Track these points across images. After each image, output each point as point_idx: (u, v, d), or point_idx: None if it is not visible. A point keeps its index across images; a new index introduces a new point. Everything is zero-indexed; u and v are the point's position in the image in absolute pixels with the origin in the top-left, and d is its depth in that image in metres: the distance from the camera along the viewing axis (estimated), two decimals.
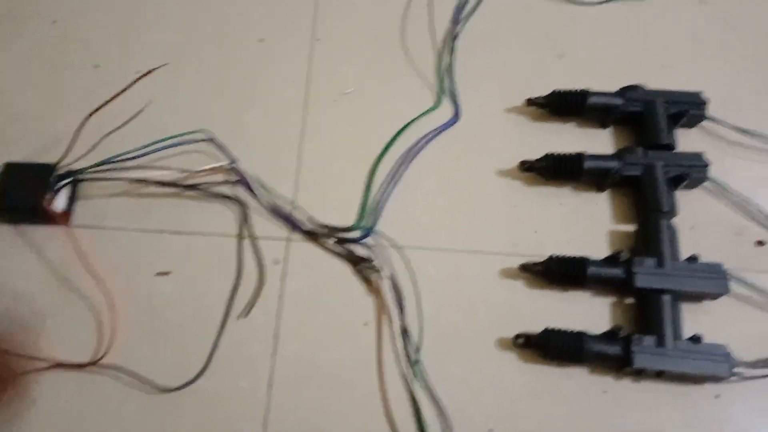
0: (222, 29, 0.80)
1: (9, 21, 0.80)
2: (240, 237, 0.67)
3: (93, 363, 0.61)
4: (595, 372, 0.63)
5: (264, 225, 0.68)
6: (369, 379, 0.62)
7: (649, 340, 0.61)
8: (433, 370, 0.62)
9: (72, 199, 0.67)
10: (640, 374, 0.62)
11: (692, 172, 0.68)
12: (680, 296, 0.64)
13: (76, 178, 0.66)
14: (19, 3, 0.81)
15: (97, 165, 0.67)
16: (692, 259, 0.65)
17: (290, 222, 0.68)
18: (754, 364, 0.62)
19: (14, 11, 0.80)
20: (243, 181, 0.69)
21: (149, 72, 0.64)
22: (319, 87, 0.76)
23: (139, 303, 0.64)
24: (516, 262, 0.66)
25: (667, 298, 0.63)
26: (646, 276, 0.63)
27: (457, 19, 0.80)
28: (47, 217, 0.65)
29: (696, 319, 0.64)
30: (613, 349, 0.61)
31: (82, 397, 0.60)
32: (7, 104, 0.74)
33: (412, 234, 0.68)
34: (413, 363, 0.62)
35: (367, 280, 0.66)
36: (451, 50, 0.78)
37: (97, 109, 0.63)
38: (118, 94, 0.64)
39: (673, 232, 0.66)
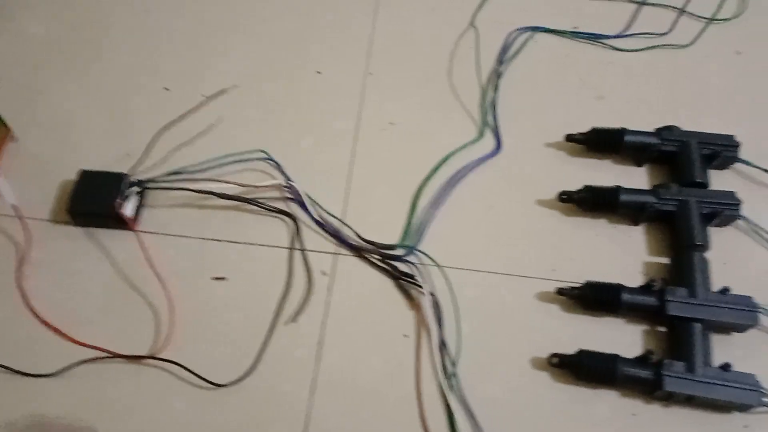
0: (282, 61, 0.86)
1: (86, 47, 0.87)
2: (291, 249, 0.72)
3: (150, 357, 0.65)
4: (625, 395, 0.64)
5: (314, 239, 0.72)
6: (407, 388, 0.64)
7: (679, 366, 0.63)
8: (468, 385, 0.65)
9: (140, 206, 0.73)
10: (669, 399, 0.63)
11: (725, 209, 0.71)
12: (711, 326, 0.66)
13: (145, 187, 0.72)
14: (95, 32, 0.89)
15: (165, 175, 0.72)
16: (724, 290, 0.67)
17: (338, 237, 0.72)
18: None
19: (91, 39, 0.88)
20: (297, 199, 0.74)
21: (220, 92, 0.70)
22: (370, 117, 0.82)
23: (196, 304, 0.68)
24: (552, 287, 0.69)
25: (697, 327, 0.65)
26: (678, 304, 0.66)
27: (501, 60, 0.85)
28: (116, 221, 0.70)
29: (725, 351, 0.65)
30: (645, 373, 0.63)
31: (139, 387, 0.64)
32: (83, 119, 0.81)
33: (452, 255, 0.71)
34: (450, 375, 0.65)
35: (408, 295, 0.69)
36: (495, 88, 0.83)
37: (170, 125, 0.69)
38: (189, 112, 0.69)
39: (705, 265, 0.69)
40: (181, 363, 0.64)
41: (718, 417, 0.63)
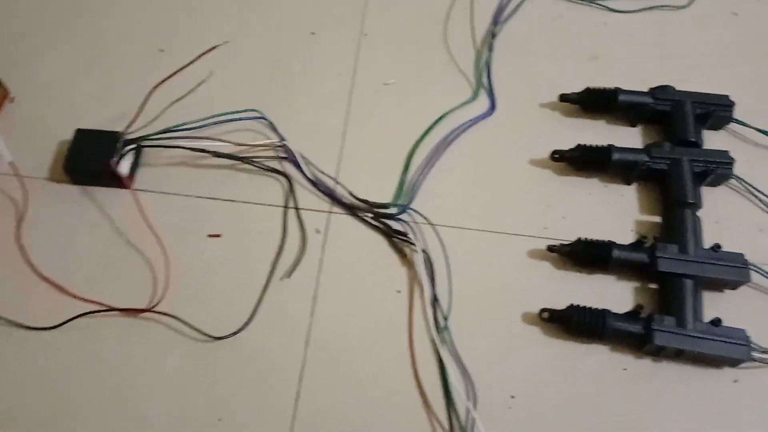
0: (277, 22, 0.86)
1: (81, 9, 0.87)
2: (285, 207, 0.72)
3: (147, 310, 0.66)
4: (616, 350, 0.65)
5: (308, 198, 0.73)
6: (399, 341, 0.65)
7: (669, 320, 0.63)
8: (460, 339, 0.65)
9: (135, 165, 0.73)
10: (659, 353, 0.64)
11: (718, 168, 0.71)
12: (702, 282, 0.66)
13: (140, 144, 0.72)
14: None
15: (159, 133, 0.73)
16: (715, 247, 0.67)
17: (332, 196, 0.73)
18: None
19: (86, 3, 0.88)
20: (291, 158, 0.74)
21: (211, 49, 0.70)
22: (364, 77, 0.82)
23: (191, 260, 0.69)
24: (544, 245, 0.70)
25: (688, 283, 0.65)
26: (669, 261, 0.66)
27: (496, 20, 0.85)
28: (112, 180, 0.71)
29: (716, 308, 0.66)
30: (635, 327, 0.64)
31: (136, 339, 0.65)
32: (80, 81, 0.81)
33: (445, 213, 0.72)
34: (442, 330, 0.66)
35: (401, 252, 0.70)
36: (490, 48, 0.83)
37: (162, 82, 0.69)
38: (182, 68, 0.70)
39: (697, 223, 0.69)
40: (177, 316, 0.65)
41: (708, 371, 0.64)
